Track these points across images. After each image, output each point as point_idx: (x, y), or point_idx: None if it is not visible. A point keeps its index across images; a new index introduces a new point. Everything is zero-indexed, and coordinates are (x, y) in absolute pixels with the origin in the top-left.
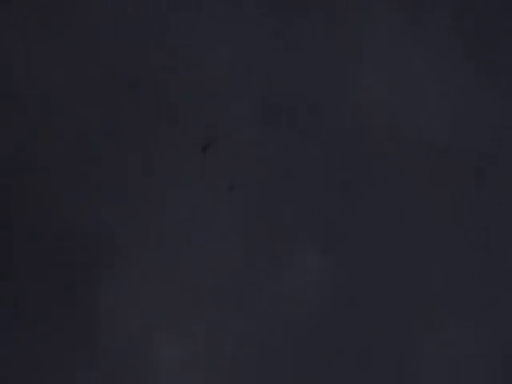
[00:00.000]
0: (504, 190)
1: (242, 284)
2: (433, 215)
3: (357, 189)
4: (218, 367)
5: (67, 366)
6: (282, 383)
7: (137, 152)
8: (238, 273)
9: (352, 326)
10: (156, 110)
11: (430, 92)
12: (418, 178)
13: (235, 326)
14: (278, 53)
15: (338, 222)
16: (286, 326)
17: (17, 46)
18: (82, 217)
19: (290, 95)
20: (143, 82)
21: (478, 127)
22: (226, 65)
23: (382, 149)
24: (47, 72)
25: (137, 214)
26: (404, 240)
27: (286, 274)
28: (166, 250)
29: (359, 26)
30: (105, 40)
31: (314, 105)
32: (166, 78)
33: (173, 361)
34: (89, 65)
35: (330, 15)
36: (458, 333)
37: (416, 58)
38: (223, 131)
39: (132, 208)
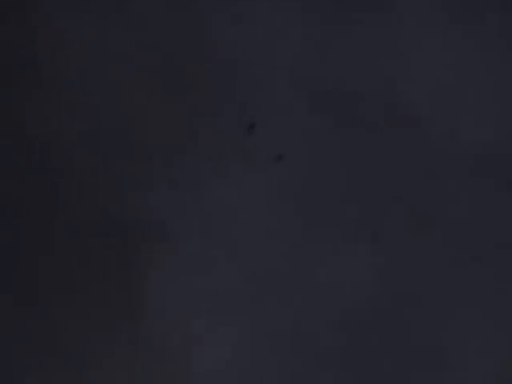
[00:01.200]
0: None
1: (290, 272)
2: (481, 217)
3: (407, 180)
4: (262, 359)
5: (109, 345)
6: (331, 377)
7: (183, 139)
8: (285, 259)
9: (399, 322)
10: (201, 97)
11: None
12: (466, 176)
13: (285, 314)
14: (326, 41)
15: (387, 213)
16: (332, 316)
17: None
18: (132, 203)
19: (338, 83)
20: (190, 72)
21: None
22: (273, 53)
23: (433, 141)
24: (86, 68)
25: (185, 200)
26: (452, 238)
27: (334, 261)
28: (214, 236)
29: (409, 17)
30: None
31: (361, 94)
32: (213, 68)
33: (217, 351)
34: (127, 53)
35: (378, 4)
36: (502, 331)
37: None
38: (269, 118)
39: (181, 194)
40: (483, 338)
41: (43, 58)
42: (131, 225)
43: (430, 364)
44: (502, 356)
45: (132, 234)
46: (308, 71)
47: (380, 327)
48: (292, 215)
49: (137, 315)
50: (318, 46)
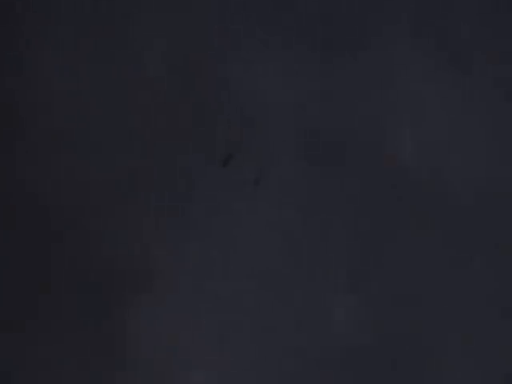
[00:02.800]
0: None
1: (274, 318)
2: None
3: (389, 228)
4: None
5: None
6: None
7: (175, 178)
8: (269, 307)
9: (380, 362)
10: (197, 139)
11: (469, 137)
12: (454, 221)
13: (267, 359)
14: (324, 92)
15: (370, 263)
16: (314, 362)
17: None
18: (119, 253)
19: (333, 132)
20: (182, 111)
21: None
22: (274, 98)
23: (418, 192)
24: (86, 111)
25: (176, 241)
26: (432, 281)
27: (316, 311)
28: (205, 276)
29: (403, 70)
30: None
31: (355, 144)
32: (215, 109)
33: None
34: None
35: (377, 56)
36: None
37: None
38: (266, 163)
39: (172, 235)
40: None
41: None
42: (117, 275)
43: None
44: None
45: (118, 284)
46: (300, 119)
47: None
48: (285, 257)
49: (121, 366)
50: (304, 94)
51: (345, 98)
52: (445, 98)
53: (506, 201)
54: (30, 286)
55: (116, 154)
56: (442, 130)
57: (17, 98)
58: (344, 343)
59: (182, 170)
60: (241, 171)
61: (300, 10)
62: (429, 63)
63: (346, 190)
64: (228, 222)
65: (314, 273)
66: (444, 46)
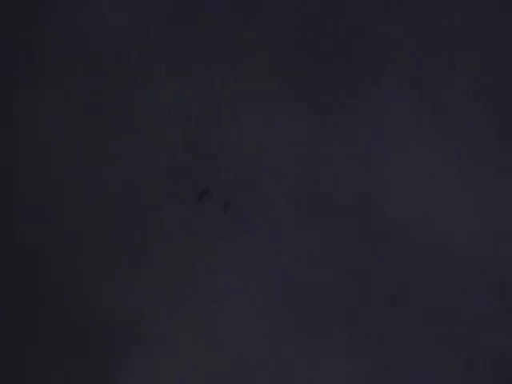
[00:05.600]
0: None
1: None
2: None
3: (385, 290)
4: None
5: None
6: None
7: (161, 236)
8: (265, 367)
9: None
10: (183, 192)
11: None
12: (445, 284)
13: None
14: (315, 146)
15: (366, 322)
16: None
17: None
18: (105, 304)
19: (327, 188)
20: (177, 170)
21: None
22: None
23: (410, 252)
24: (66, 161)
25: (164, 299)
26: (434, 346)
27: (314, 371)
28: (190, 340)
29: (392, 129)
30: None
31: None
32: (206, 162)
33: None
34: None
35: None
36: None
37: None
38: (256, 213)
39: (159, 293)
40: None
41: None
42: (105, 326)
43: None
44: None
45: (106, 335)
46: (302, 173)
47: None
48: (272, 324)
49: None
50: (302, 152)
51: (345, 158)
52: (444, 160)
53: (502, 259)
54: (17, 337)
55: (109, 210)
56: (443, 190)
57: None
58: None
59: (173, 227)
60: (236, 225)
61: (293, 67)
62: (424, 120)
63: (344, 251)
64: (221, 277)
65: (312, 333)
66: (436, 98)
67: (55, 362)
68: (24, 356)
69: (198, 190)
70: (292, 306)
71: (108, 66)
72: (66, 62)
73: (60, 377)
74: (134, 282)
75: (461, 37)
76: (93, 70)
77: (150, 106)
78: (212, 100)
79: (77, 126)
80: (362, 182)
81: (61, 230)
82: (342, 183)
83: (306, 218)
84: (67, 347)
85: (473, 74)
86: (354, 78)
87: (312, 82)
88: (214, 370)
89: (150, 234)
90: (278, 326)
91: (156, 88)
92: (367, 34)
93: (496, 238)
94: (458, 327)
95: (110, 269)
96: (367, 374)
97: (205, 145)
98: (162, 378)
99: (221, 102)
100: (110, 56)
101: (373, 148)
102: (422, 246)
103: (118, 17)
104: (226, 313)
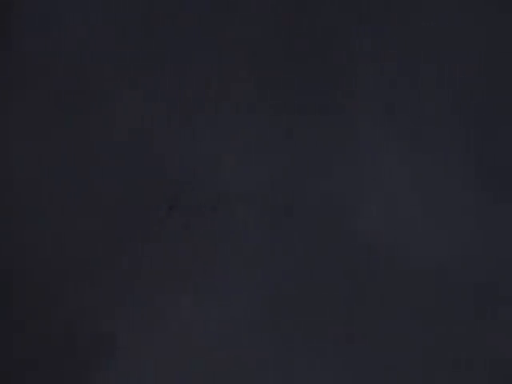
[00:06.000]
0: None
1: None
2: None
3: (355, 313)
4: None
5: None
6: None
7: (131, 251)
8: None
9: None
10: (153, 210)
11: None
12: (414, 306)
13: None
14: (289, 168)
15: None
16: None
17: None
18: (80, 317)
19: (295, 205)
20: (152, 189)
21: (481, 257)
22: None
23: (380, 274)
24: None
25: (137, 314)
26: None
27: None
28: (167, 350)
29: (364, 151)
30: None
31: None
32: (179, 181)
33: None
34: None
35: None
36: None
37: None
38: (229, 231)
39: (133, 308)
40: None
41: None
42: (80, 339)
43: None
44: None
45: (81, 348)
46: (272, 190)
47: None
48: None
49: None
50: (269, 170)
51: (309, 171)
52: (407, 175)
53: (467, 277)
54: None
55: (83, 227)
56: (407, 206)
57: None
58: None
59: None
60: (209, 249)
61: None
62: (394, 141)
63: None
64: (199, 289)
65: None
66: (411, 123)
67: (30, 365)
68: None
69: (168, 201)
70: (267, 320)
71: (86, 66)
72: (41, 61)
73: (34, 377)
74: (108, 298)
75: (437, 54)
76: (69, 69)
77: (128, 107)
78: (191, 101)
79: (48, 135)
80: (334, 195)
81: (34, 252)
82: (315, 195)
83: (278, 232)
84: (43, 367)
85: (447, 92)
86: (325, 97)
87: (288, 97)
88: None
89: (121, 250)
90: (241, 344)
91: (132, 89)
92: (341, 42)
93: (464, 251)
94: (432, 337)
95: (84, 283)
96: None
97: (176, 152)
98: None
99: (204, 102)
100: (88, 56)
101: (346, 163)
102: (392, 261)
103: (97, 16)
104: (202, 324)
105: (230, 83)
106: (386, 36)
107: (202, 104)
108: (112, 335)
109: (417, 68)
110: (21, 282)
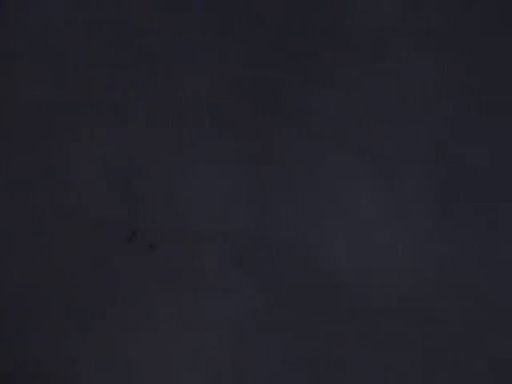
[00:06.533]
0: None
1: None
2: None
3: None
4: None
5: None
6: None
7: (89, 290)
8: None
9: None
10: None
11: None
12: (391, 342)
13: None
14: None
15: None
16: None
17: None
18: (18, 355)
19: (264, 245)
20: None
21: (455, 290)
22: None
23: (349, 295)
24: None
25: (97, 351)
26: None
27: None
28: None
29: (334, 180)
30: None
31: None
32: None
33: None
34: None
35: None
36: None
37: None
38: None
39: (96, 341)
40: None
41: None
42: (19, 377)
43: None
44: None
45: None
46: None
47: None
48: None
49: None
50: (235, 205)
51: (275, 203)
52: (373, 206)
53: (436, 304)
54: None
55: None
56: (374, 236)
57: None
58: None
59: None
60: (174, 276)
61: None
62: (360, 171)
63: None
64: (160, 329)
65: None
66: (373, 152)
67: None
68: None
69: (127, 232)
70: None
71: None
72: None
73: None
74: (67, 335)
75: (403, 86)
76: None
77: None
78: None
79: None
80: (297, 231)
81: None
82: (276, 232)
83: (238, 267)
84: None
85: (408, 122)
86: (290, 129)
87: (245, 133)
88: None
89: (80, 288)
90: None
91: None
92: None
93: (429, 286)
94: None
95: (42, 322)
96: None
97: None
98: None
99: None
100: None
101: (309, 198)
102: (357, 297)
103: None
104: (161, 365)
105: (188, 126)
106: (350, 75)
107: (165, 140)
108: (48, 374)
109: (376, 103)
110: None
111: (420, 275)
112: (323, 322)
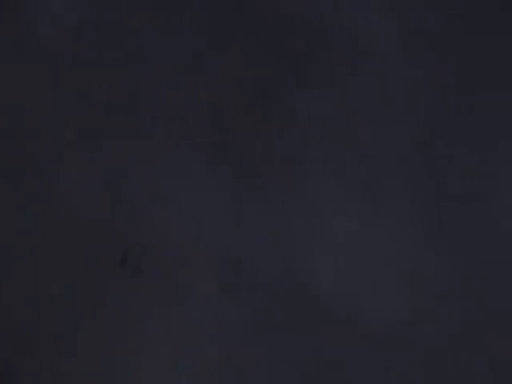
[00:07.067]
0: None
1: None
2: None
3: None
4: None
5: None
6: None
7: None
8: None
9: None
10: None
11: (389, 275)
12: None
13: None
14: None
15: None
16: None
17: None
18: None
19: (253, 259)
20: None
21: (440, 313)
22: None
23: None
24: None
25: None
26: None
27: None
28: None
29: (322, 198)
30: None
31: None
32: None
33: None
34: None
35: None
36: None
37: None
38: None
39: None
40: None
41: None
42: None
43: None
44: None
45: None
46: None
47: None
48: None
49: None
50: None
51: (258, 221)
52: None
53: (425, 331)
54: None
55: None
56: (359, 259)
57: None
58: None
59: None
60: (155, 292)
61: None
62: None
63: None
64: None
65: None
66: (359, 178)
67: None
68: None
69: (118, 255)
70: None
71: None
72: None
73: None
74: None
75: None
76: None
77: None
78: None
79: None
80: (284, 254)
81: None
82: (264, 256)
83: (226, 293)
84: None
85: (393, 143)
86: (279, 149)
87: (235, 149)
88: None
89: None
90: None
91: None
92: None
93: (418, 313)
94: None
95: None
96: None
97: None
98: None
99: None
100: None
101: (296, 220)
102: (344, 323)
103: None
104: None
105: (180, 143)
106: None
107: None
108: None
109: (359, 126)
110: None
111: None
112: (309, 342)
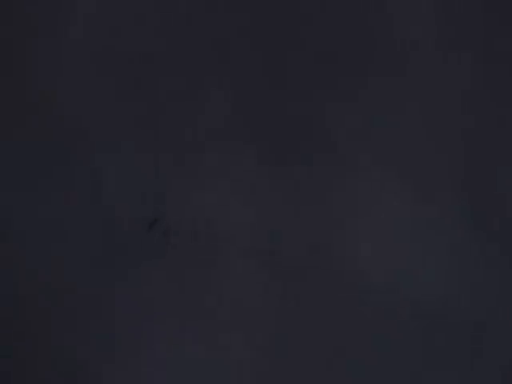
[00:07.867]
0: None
1: None
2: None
3: (355, 349)
4: None
5: None
6: None
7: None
8: None
9: None
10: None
11: (429, 258)
12: (413, 342)
13: None
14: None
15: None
16: None
17: None
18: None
19: (293, 249)
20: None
21: (477, 294)
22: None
23: (377, 309)
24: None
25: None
26: None
27: None
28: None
29: (360, 187)
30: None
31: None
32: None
33: None
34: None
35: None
36: None
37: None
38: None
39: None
40: None
41: None
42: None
43: None
44: None
45: None
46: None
47: None
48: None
49: None
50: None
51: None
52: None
53: (456, 306)
54: None
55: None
56: (406, 243)
57: None
58: None
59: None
60: (165, 289)
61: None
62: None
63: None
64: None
65: None
66: (404, 163)
67: None
68: None
69: (148, 220)
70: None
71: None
72: None
73: None
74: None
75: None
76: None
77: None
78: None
79: None
80: (324, 233)
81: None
82: (302, 236)
83: (266, 272)
84: None
85: (441, 132)
86: (315, 137)
87: (278, 137)
88: None
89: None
90: None
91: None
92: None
93: (454, 288)
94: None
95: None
96: None
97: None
98: None
99: (192, 141)
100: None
101: (335, 200)
102: (384, 297)
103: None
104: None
105: (217, 123)
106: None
107: (189, 143)
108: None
109: (407, 112)
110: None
111: (450, 288)
112: (346, 322)
